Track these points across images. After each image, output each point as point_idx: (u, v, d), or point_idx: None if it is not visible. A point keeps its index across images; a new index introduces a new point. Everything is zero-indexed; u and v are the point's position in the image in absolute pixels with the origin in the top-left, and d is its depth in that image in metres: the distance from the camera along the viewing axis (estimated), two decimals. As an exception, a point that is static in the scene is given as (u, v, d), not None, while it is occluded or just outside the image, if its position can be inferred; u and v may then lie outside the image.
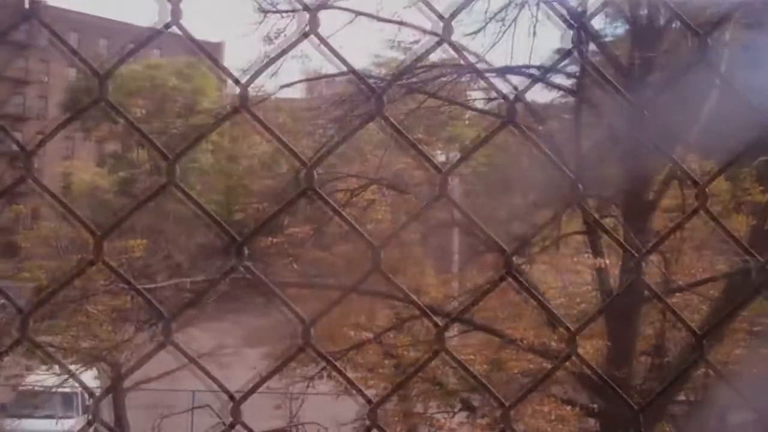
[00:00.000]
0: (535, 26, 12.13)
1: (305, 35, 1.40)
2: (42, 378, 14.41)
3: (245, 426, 1.40)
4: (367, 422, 1.51)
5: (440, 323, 1.64)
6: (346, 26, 12.14)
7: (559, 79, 13.23)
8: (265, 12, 12.35)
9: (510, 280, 1.59)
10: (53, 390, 14.53)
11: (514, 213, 13.05)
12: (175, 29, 1.32)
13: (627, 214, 11.08)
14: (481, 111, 14.23)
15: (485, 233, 2.05)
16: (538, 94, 14.15)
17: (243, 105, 1.32)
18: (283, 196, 14.02)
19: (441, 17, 1.46)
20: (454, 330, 10.86)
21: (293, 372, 11.31)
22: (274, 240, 12.27)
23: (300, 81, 13.36)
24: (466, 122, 20.39)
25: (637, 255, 1.89)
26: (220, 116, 17.34)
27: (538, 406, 9.96)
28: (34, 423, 17.05)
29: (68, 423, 17.06)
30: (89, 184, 31.60)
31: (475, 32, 12.29)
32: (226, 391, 1.40)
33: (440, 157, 18.83)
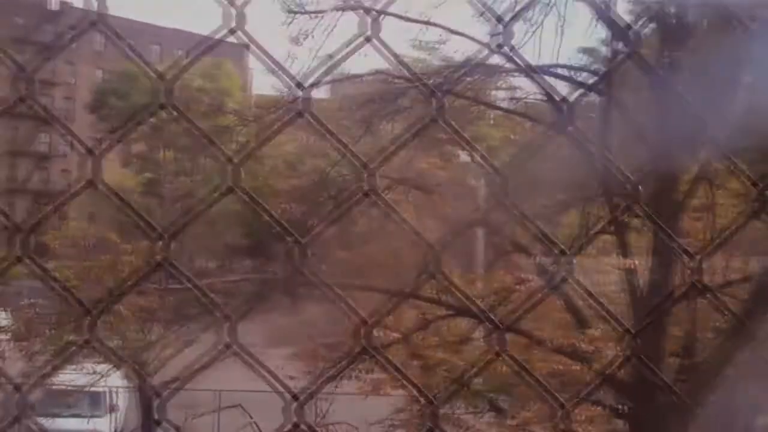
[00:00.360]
0: (562, 26, 12.09)
1: (367, 39, 1.40)
2: (72, 377, 14.53)
3: (309, 426, 1.40)
4: (428, 424, 1.51)
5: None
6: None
7: (584, 77, 13.18)
8: (292, 13, 12.38)
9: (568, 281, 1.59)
10: (82, 389, 14.66)
11: (539, 213, 12.99)
12: (240, 34, 1.33)
13: (655, 215, 10.98)
14: (507, 111, 14.21)
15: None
16: (563, 93, 14.06)
17: (306, 109, 1.33)
18: (309, 196, 14.04)
19: (500, 20, 1.46)
20: (479, 331, 10.84)
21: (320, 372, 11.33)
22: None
23: (329, 82, 13.36)
24: (491, 122, 20.34)
25: (689, 257, 1.87)
26: (246, 119, 17.39)
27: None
28: (62, 422, 17.19)
29: (96, 422, 17.20)
30: (116, 185, 31.88)
31: (499, 32, 12.24)
32: (290, 391, 1.40)
33: (464, 158, 18.80)
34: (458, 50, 13.93)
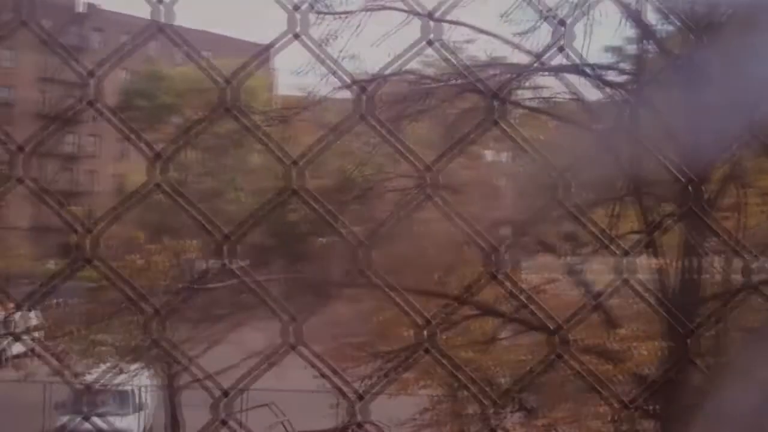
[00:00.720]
0: (591, 25, 12.02)
1: (429, 43, 1.41)
2: (102, 376, 14.64)
3: (374, 423, 1.41)
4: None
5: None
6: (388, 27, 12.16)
7: (612, 76, 13.10)
8: (320, 14, 12.41)
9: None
10: (111, 388, 14.76)
11: (565, 213, 12.89)
12: (304, 39, 1.34)
13: (685, 214, 10.90)
14: (532, 110, 14.15)
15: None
16: (591, 92, 14.02)
17: (369, 111, 1.33)
18: (334, 196, 14.06)
19: (563, 23, 1.45)
20: (511, 330, 10.81)
21: (349, 372, 11.35)
22: (325, 240, 12.32)
23: (354, 83, 13.36)
24: (515, 121, 20.28)
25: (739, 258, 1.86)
26: (272, 119, 17.46)
27: (596, 408, 9.87)
28: (91, 420, 17.33)
29: (124, 420, 17.32)
30: (140, 185, 32.09)
31: (527, 31, 12.22)
32: (355, 391, 1.41)
33: (490, 157, 18.76)
34: (485, 50, 13.88)
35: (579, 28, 14.21)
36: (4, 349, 19.63)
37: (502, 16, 11.83)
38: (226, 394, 1.48)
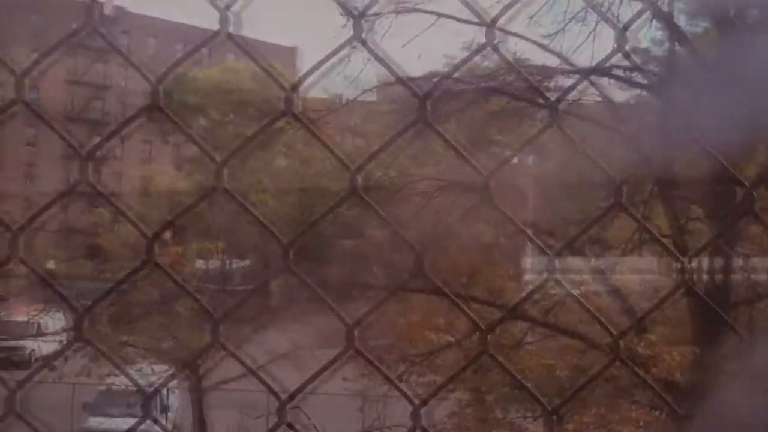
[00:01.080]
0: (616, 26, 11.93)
1: (484, 47, 1.39)
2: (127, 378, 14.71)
3: (424, 430, 1.39)
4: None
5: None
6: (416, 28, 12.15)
7: (639, 77, 12.99)
8: (350, 16, 12.39)
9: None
10: (133, 389, 14.82)
11: (590, 214, 12.82)
12: (363, 45, 1.34)
13: (714, 216, 10.80)
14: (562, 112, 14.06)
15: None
16: (618, 94, 13.92)
17: (423, 119, 1.32)
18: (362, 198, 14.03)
19: (626, 28, 1.42)
20: (536, 334, 10.75)
21: (374, 374, 11.32)
22: (352, 243, 12.32)
23: (381, 85, 13.37)
24: (539, 123, 20.16)
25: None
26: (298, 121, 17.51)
27: (627, 413, 9.78)
28: (115, 421, 17.42)
29: (150, 422, 17.40)
30: (167, 188, 32.28)
31: (555, 33, 12.17)
32: (408, 397, 1.39)
33: (514, 159, 18.65)
34: (514, 52, 13.81)
35: (609, 30, 14.03)
36: (33, 350, 19.83)
37: (531, 18, 11.78)
38: (292, 397, 1.48)
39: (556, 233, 12.14)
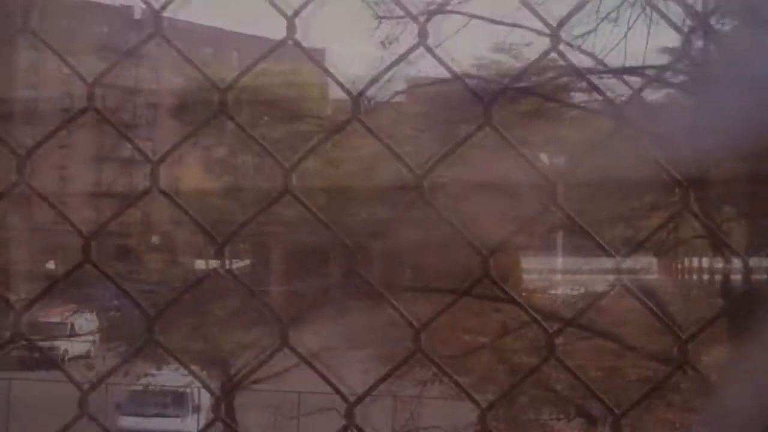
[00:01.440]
0: (649, 26, 11.88)
1: (548, 52, 1.41)
2: (164, 377, 14.84)
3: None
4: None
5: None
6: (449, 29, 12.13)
7: (670, 77, 12.90)
8: (381, 18, 12.47)
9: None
10: (167, 389, 14.94)
11: (621, 215, 12.75)
12: (428, 50, 1.35)
13: (751, 215, 10.70)
14: (586, 109, 14.02)
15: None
16: (649, 94, 13.82)
17: (488, 122, 1.33)
18: (391, 199, 14.06)
19: (689, 36, 1.43)
20: (569, 336, 10.68)
21: (406, 375, 11.32)
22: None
23: (413, 86, 13.40)
24: (568, 123, 20.06)
25: None
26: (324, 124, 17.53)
27: (663, 415, 9.72)
28: (147, 421, 17.56)
29: (181, 422, 17.54)
30: (196, 189, 32.50)
31: (587, 33, 12.12)
32: (475, 401, 1.40)
33: (545, 160, 18.58)
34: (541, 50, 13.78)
35: (642, 30, 14.03)
36: (66, 350, 20.04)
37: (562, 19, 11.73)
38: (359, 399, 1.49)
39: (589, 234, 12.05)
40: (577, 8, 1.69)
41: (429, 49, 1.50)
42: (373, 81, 1.63)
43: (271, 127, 27.98)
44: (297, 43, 1.52)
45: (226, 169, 33.66)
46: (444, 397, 12.06)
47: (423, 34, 1.47)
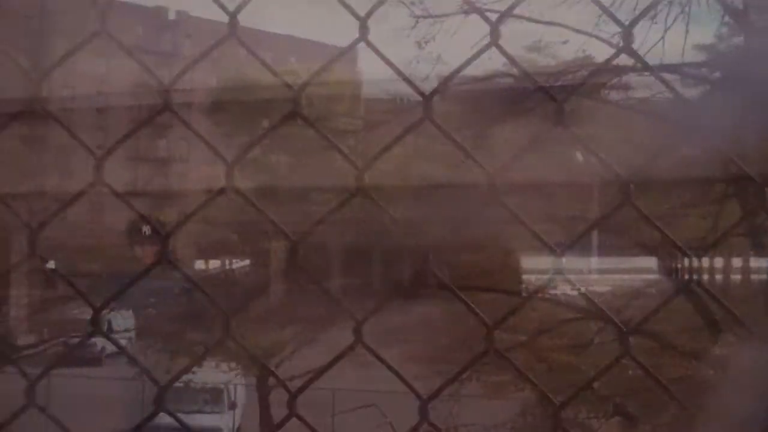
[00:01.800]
0: (687, 24, 11.79)
1: (619, 52, 1.43)
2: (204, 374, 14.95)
3: (566, 431, 1.43)
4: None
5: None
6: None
7: (706, 73, 12.81)
8: (417, 18, 12.50)
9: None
10: (205, 386, 15.06)
11: (664, 213, 12.64)
12: (499, 49, 1.37)
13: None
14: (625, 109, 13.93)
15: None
16: (687, 91, 13.70)
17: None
18: (426, 200, 14.06)
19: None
20: (606, 333, 10.63)
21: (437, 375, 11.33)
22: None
23: (452, 85, 13.38)
24: (604, 121, 19.95)
25: None
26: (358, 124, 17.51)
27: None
28: (186, 418, 17.70)
29: (218, 418, 17.67)
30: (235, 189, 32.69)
31: (624, 29, 12.02)
32: (551, 399, 1.42)
33: (580, 158, 18.48)
34: (584, 50, 13.70)
35: (681, 27, 13.91)
36: (103, 347, 20.24)
37: (600, 17, 11.66)
38: (432, 397, 1.53)
39: (625, 233, 12.02)
40: (649, 8, 1.72)
41: (500, 48, 1.52)
42: (447, 80, 1.66)
43: (304, 126, 28.12)
44: (369, 44, 1.56)
45: (260, 168, 33.83)
46: (480, 396, 12.07)
47: (495, 34, 1.49)
